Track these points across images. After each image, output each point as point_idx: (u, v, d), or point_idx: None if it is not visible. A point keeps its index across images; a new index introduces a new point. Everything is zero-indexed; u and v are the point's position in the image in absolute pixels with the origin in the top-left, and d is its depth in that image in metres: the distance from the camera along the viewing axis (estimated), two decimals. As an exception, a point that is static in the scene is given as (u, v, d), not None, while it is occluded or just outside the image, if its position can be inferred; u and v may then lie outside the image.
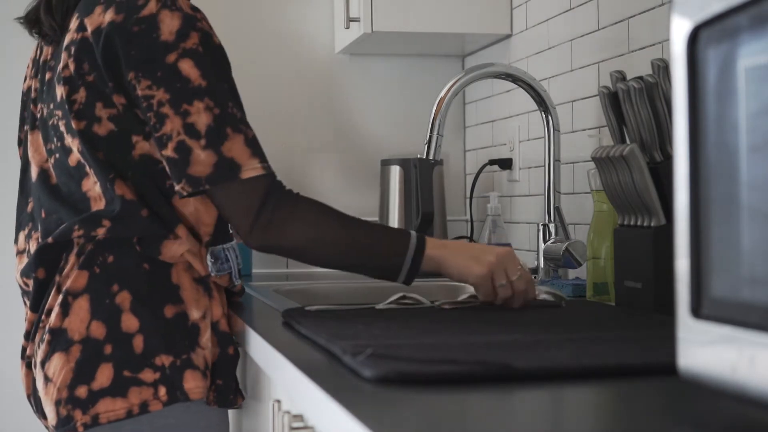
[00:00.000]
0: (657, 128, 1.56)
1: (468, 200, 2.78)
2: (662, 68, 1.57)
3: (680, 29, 0.80)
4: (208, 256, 1.59)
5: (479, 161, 2.73)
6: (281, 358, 1.15)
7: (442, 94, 2.04)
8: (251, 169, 1.53)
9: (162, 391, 1.52)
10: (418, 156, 2.56)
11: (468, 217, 2.79)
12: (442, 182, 2.67)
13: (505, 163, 2.57)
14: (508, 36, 2.58)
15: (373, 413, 0.83)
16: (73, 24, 1.58)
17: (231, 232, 1.67)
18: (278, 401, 1.21)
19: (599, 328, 1.34)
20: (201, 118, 1.50)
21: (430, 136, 2.03)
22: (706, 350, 0.76)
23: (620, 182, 1.57)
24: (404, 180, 2.61)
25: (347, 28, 2.59)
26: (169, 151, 1.50)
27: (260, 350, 1.33)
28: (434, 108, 2.04)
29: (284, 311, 1.51)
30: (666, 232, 1.51)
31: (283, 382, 1.16)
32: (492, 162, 2.60)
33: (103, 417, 1.50)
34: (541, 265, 2.06)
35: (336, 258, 1.58)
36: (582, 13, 2.15)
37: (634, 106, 1.57)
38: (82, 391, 1.50)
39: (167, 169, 1.53)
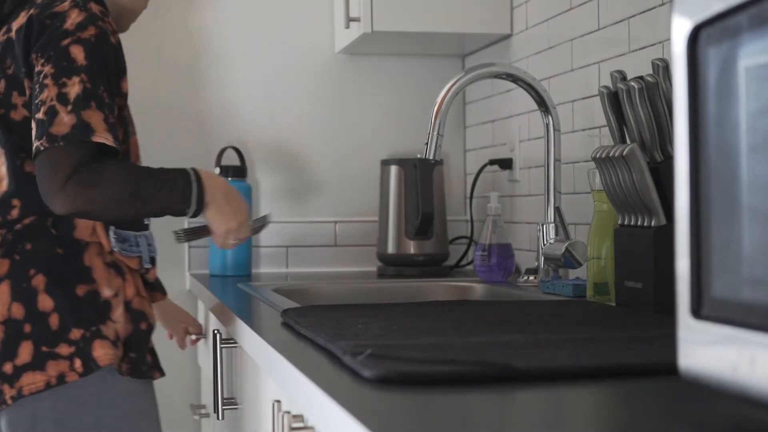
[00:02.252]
0: (657, 128, 1.56)
1: (468, 200, 2.77)
2: (662, 68, 1.57)
3: (681, 29, 0.80)
4: (111, 233, 1.78)
5: (479, 161, 2.73)
6: (281, 359, 1.15)
7: (442, 94, 2.04)
8: (103, 137, 1.67)
9: (77, 363, 1.70)
10: (418, 156, 2.56)
11: (468, 217, 2.79)
12: (442, 182, 2.67)
13: (506, 163, 2.57)
14: (509, 36, 2.57)
15: (373, 413, 0.83)
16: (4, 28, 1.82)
17: (146, 222, 1.89)
18: (278, 401, 1.21)
19: (599, 328, 1.34)
20: (73, 89, 1.67)
21: (430, 136, 2.03)
22: (707, 350, 0.76)
23: (620, 182, 1.57)
24: (404, 180, 2.61)
25: (347, 28, 2.58)
26: (40, 114, 1.66)
27: (260, 350, 1.33)
28: (434, 108, 2.03)
29: (283, 311, 1.51)
30: (666, 232, 1.51)
31: (283, 382, 1.16)
32: (492, 162, 2.60)
33: (26, 389, 1.69)
34: (542, 265, 2.06)
35: (127, 207, 1.72)
36: (582, 13, 2.14)
37: (634, 106, 1.57)
38: (8, 368, 1.70)
39: (34, 131, 1.67)
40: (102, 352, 1.71)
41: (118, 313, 1.76)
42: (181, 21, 2.80)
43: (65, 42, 1.69)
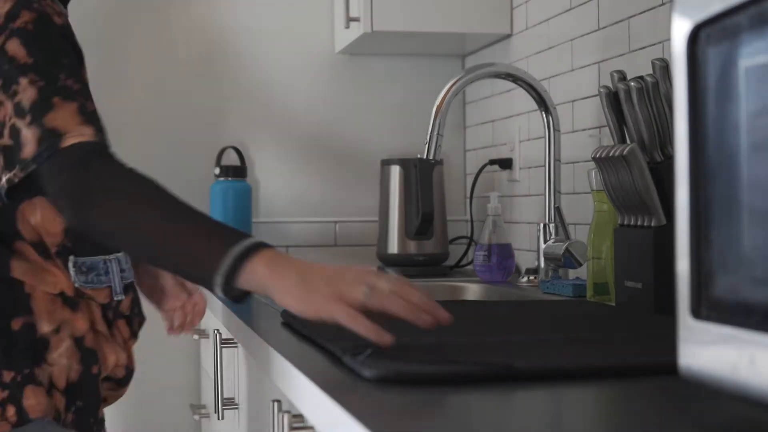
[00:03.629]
0: (657, 128, 1.56)
1: (468, 200, 2.78)
2: (663, 68, 1.57)
3: (681, 29, 0.80)
4: (71, 265, 1.43)
5: (479, 161, 2.73)
6: (281, 358, 1.15)
7: (442, 94, 2.04)
8: (76, 136, 1.32)
9: (11, 411, 1.38)
10: (418, 156, 2.56)
11: (468, 217, 2.79)
12: (442, 182, 2.67)
13: (506, 163, 2.57)
14: (509, 36, 2.57)
15: (373, 413, 0.83)
16: None
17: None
18: (278, 401, 1.21)
19: (600, 329, 1.34)
20: (26, 95, 1.35)
21: (430, 136, 2.03)
22: (707, 350, 0.76)
23: (620, 182, 1.57)
24: (404, 180, 2.61)
25: (347, 27, 2.58)
26: (5, 140, 1.35)
27: (260, 350, 1.33)
28: (434, 108, 2.03)
29: (283, 311, 1.51)
30: (666, 232, 1.51)
31: (283, 382, 1.16)
32: (492, 162, 2.60)
33: None
34: (542, 265, 2.06)
35: (145, 251, 1.30)
36: (582, 13, 2.14)
37: (634, 106, 1.57)
38: None
39: (2, 161, 1.36)
40: (34, 401, 1.38)
41: (57, 353, 1.42)
42: (181, 21, 2.80)
43: None
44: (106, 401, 1.52)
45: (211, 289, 1.21)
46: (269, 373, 1.28)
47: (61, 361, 1.42)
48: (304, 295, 1.14)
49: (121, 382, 1.53)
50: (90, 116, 1.35)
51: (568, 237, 2.06)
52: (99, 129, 1.35)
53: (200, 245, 1.22)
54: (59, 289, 1.42)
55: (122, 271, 1.50)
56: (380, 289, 1.12)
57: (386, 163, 2.66)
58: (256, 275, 1.17)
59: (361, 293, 1.11)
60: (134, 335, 1.56)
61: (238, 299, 1.20)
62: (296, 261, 1.18)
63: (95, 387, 1.45)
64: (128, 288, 1.51)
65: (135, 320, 1.55)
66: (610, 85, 1.65)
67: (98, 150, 1.33)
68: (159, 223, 1.25)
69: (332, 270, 1.16)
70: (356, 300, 1.11)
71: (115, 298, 1.48)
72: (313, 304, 1.13)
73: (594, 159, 1.63)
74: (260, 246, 1.18)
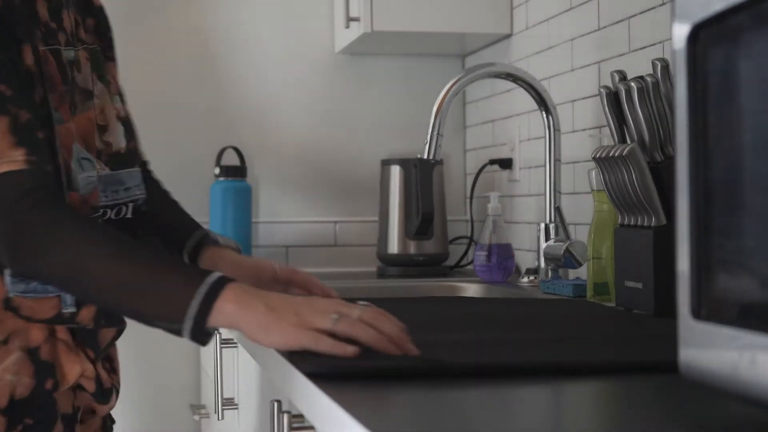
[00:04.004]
0: (657, 128, 1.56)
1: (468, 200, 2.77)
2: (663, 68, 1.57)
3: (681, 28, 0.80)
4: (7, 272, 1.27)
5: (479, 161, 2.72)
6: (281, 359, 1.15)
7: (442, 94, 2.04)
8: (7, 163, 1.18)
9: None
10: (418, 156, 2.55)
11: (468, 217, 2.79)
12: (442, 182, 2.67)
13: (506, 163, 2.57)
14: (509, 35, 2.57)
15: (373, 413, 0.83)
16: None
17: None
18: (278, 401, 1.21)
19: (580, 327, 1.35)
20: None
21: (430, 136, 2.03)
22: (707, 351, 0.76)
23: (621, 182, 1.57)
24: (404, 180, 2.61)
25: (347, 27, 2.58)
26: None
27: (260, 350, 1.33)
28: (434, 108, 2.03)
29: None
30: (667, 232, 1.51)
31: (283, 382, 1.16)
32: (492, 162, 2.60)
33: None
34: (542, 265, 2.06)
35: (102, 298, 1.22)
36: (582, 13, 2.14)
37: (634, 106, 1.57)
38: None
39: None
40: None
41: (2, 366, 1.28)
42: (181, 21, 2.80)
43: None
44: (95, 413, 1.41)
45: (177, 333, 1.15)
46: (269, 373, 1.28)
47: (4, 376, 1.28)
48: (274, 326, 1.10)
49: (97, 397, 1.38)
50: (22, 134, 1.19)
51: (568, 237, 2.06)
52: (32, 149, 1.19)
53: (162, 289, 1.15)
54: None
55: None
56: (349, 316, 1.09)
57: (386, 163, 2.66)
58: (225, 314, 1.12)
59: (329, 321, 1.08)
60: (103, 350, 1.40)
61: (204, 342, 1.15)
62: (262, 293, 1.14)
63: (50, 402, 1.32)
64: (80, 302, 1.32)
65: (101, 332, 1.39)
66: (611, 85, 1.65)
67: (32, 187, 1.18)
68: (113, 269, 1.16)
69: (301, 300, 1.12)
70: (323, 327, 1.08)
71: (64, 310, 1.30)
72: (282, 335, 1.09)
73: (594, 159, 1.63)
74: (224, 282, 1.13)
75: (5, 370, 1.28)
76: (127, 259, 1.17)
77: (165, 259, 1.22)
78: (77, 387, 1.36)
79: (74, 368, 1.32)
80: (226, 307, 1.12)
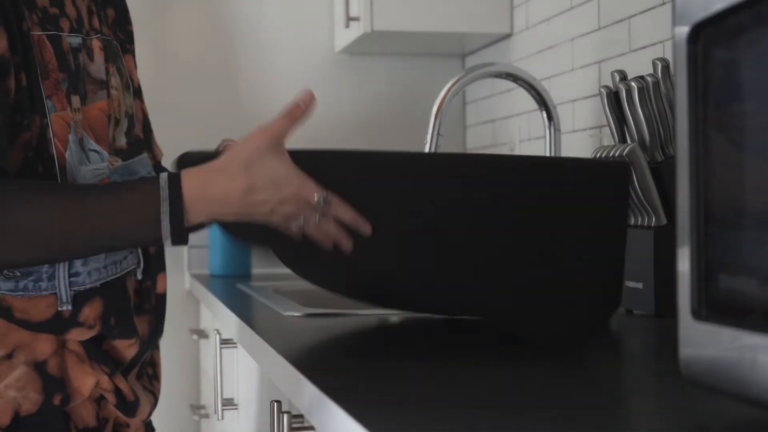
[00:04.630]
0: (658, 128, 1.56)
1: (468, 200, 2.77)
2: (663, 68, 1.57)
3: (681, 28, 0.80)
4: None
5: (479, 161, 2.72)
6: (281, 359, 1.15)
7: (442, 94, 2.04)
8: None
9: None
10: (419, 156, 2.55)
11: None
12: (443, 182, 2.66)
13: (506, 163, 2.56)
14: (509, 35, 2.57)
15: (373, 413, 0.83)
16: None
17: None
18: (278, 401, 1.21)
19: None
20: None
21: (430, 136, 2.03)
22: (707, 351, 0.76)
23: (621, 182, 1.57)
24: (404, 180, 2.61)
25: (347, 27, 2.58)
26: None
27: (260, 350, 1.33)
28: (434, 108, 2.03)
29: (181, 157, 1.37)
30: (667, 232, 1.51)
31: (283, 382, 1.16)
32: (492, 162, 2.60)
33: None
34: (542, 265, 2.06)
35: (70, 250, 1.20)
36: (583, 13, 2.14)
37: (635, 106, 1.57)
38: None
39: None
40: None
41: (4, 383, 1.23)
42: (181, 21, 2.80)
43: None
44: (129, 425, 1.36)
45: (157, 241, 1.19)
46: (269, 373, 1.28)
47: (7, 393, 1.23)
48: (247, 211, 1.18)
49: (121, 409, 1.33)
50: None
51: (568, 237, 2.06)
52: None
53: (125, 205, 1.17)
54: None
55: (66, 277, 1.25)
56: (311, 224, 1.19)
57: (386, 163, 2.66)
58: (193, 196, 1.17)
59: (295, 226, 1.19)
60: (129, 365, 1.34)
61: (185, 239, 1.18)
62: (221, 184, 1.19)
63: (59, 418, 1.27)
64: (87, 296, 1.26)
65: (118, 346, 1.32)
66: (611, 85, 1.65)
67: None
68: (69, 206, 1.16)
69: (267, 199, 1.19)
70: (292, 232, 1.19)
71: (61, 308, 1.24)
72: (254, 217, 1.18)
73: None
74: (178, 177, 1.18)
75: (8, 386, 1.23)
76: (76, 201, 1.17)
77: (107, 188, 1.22)
78: (101, 398, 1.31)
79: (87, 380, 1.28)
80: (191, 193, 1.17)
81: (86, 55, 1.31)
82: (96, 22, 1.36)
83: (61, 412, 1.27)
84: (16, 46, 1.22)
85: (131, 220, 1.17)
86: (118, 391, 1.31)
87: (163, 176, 1.18)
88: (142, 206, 1.16)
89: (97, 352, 1.29)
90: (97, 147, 1.30)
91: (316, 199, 1.18)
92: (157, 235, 1.17)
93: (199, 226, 1.22)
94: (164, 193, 1.16)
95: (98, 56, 1.33)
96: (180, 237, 1.17)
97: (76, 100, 1.27)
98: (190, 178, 1.18)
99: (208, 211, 1.18)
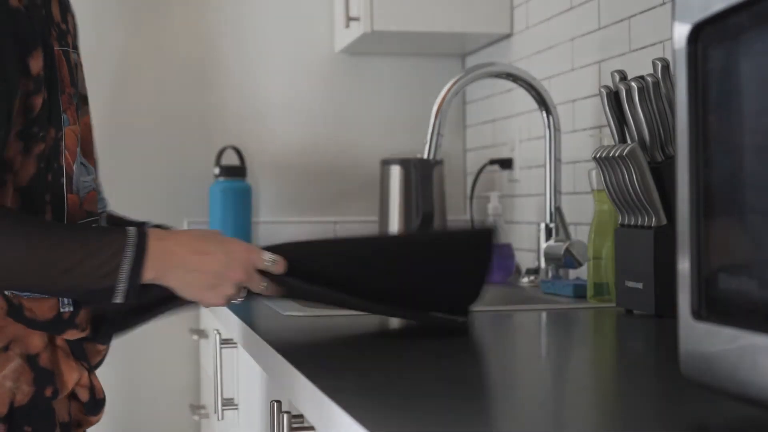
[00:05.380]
0: (658, 128, 1.56)
1: (468, 200, 2.77)
2: (663, 68, 1.57)
3: (681, 28, 0.80)
4: None
5: (480, 161, 2.72)
6: (281, 359, 1.15)
7: (442, 94, 2.04)
8: None
9: None
10: (418, 156, 2.55)
11: (468, 217, 2.78)
12: (443, 182, 2.66)
13: (506, 163, 2.57)
14: (509, 35, 2.57)
15: (373, 413, 0.83)
16: None
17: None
18: (278, 401, 1.21)
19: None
20: None
21: (430, 136, 2.03)
22: (708, 351, 0.76)
23: (621, 182, 1.57)
24: (404, 180, 2.61)
25: (347, 27, 2.58)
26: None
27: (260, 350, 1.33)
28: (434, 108, 2.03)
29: None
30: (667, 232, 1.51)
31: (283, 382, 1.16)
32: (492, 162, 2.60)
33: None
34: (542, 265, 2.06)
35: (29, 285, 1.24)
36: (583, 13, 2.14)
37: (635, 106, 1.57)
38: None
39: None
40: None
41: (3, 373, 1.26)
42: (181, 21, 2.80)
43: None
44: (81, 426, 1.39)
45: (110, 298, 1.23)
46: (269, 373, 1.28)
47: (5, 383, 1.27)
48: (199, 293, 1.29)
49: (88, 408, 1.36)
50: None
51: (568, 237, 2.06)
52: None
53: (88, 256, 1.21)
54: None
55: None
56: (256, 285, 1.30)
57: (386, 163, 2.66)
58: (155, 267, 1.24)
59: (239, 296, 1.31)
60: (93, 367, 1.39)
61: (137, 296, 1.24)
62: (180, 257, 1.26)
63: (49, 410, 1.31)
64: (91, 296, 1.28)
65: (91, 350, 1.37)
66: (611, 85, 1.65)
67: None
68: (32, 252, 1.20)
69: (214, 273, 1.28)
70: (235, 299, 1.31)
71: (62, 309, 1.29)
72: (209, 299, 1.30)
73: (594, 159, 1.63)
74: (144, 235, 1.23)
75: (5, 377, 1.26)
76: (42, 240, 1.21)
77: (73, 226, 1.28)
78: (72, 396, 1.34)
79: (72, 375, 1.32)
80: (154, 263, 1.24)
81: (77, 69, 1.37)
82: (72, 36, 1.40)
83: (50, 404, 1.31)
84: (46, 62, 1.27)
85: (92, 263, 1.21)
86: (92, 388, 1.35)
87: (131, 234, 1.24)
88: (106, 245, 1.22)
89: (79, 349, 1.34)
90: (84, 160, 1.35)
91: (266, 259, 1.29)
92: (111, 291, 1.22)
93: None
94: (132, 239, 1.23)
95: (81, 71, 1.39)
96: (134, 287, 1.23)
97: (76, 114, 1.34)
98: (155, 232, 1.26)
99: (170, 271, 1.26)
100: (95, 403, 1.37)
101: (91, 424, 1.41)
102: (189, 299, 1.30)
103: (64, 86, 1.30)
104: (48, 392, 1.29)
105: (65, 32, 1.33)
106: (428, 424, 0.81)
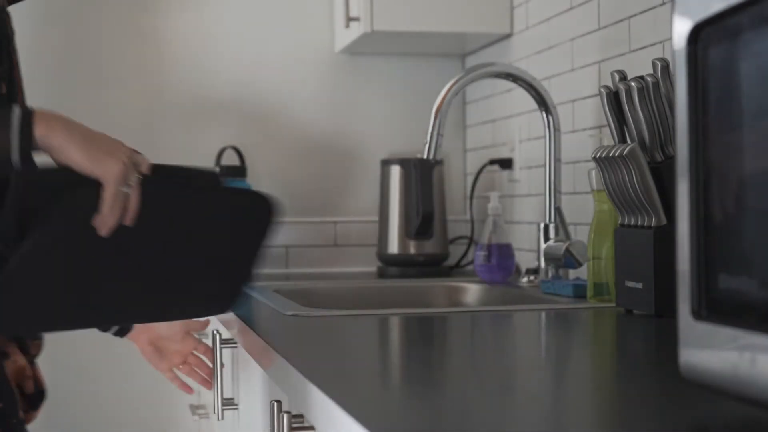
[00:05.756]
0: (658, 128, 1.56)
1: (468, 200, 2.77)
2: (663, 68, 1.57)
3: (681, 28, 0.80)
4: None
5: (479, 161, 2.72)
6: (281, 359, 1.15)
7: (442, 94, 2.04)
8: None
9: None
10: (418, 156, 2.55)
11: (468, 217, 2.79)
12: (442, 182, 2.66)
13: (506, 163, 2.57)
14: (509, 35, 2.57)
15: (373, 413, 0.83)
16: None
17: None
18: (278, 401, 1.21)
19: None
20: None
21: (430, 136, 2.03)
22: (707, 351, 0.76)
23: (621, 182, 1.57)
24: (404, 180, 2.61)
25: (347, 27, 2.58)
26: None
27: (260, 350, 1.33)
28: (434, 108, 2.03)
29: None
30: (667, 232, 1.51)
31: (283, 382, 1.16)
32: (492, 162, 2.60)
33: None
34: (542, 265, 2.06)
35: None
36: (583, 13, 2.14)
37: (634, 106, 1.57)
38: None
39: None
40: None
41: None
42: (181, 20, 2.80)
43: None
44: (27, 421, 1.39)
45: (6, 160, 1.15)
46: (269, 373, 1.28)
47: None
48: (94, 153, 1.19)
49: (33, 401, 1.36)
50: None
51: (568, 237, 2.06)
52: None
53: None
54: None
55: None
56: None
57: (386, 163, 2.66)
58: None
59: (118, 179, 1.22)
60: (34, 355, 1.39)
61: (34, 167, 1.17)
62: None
63: (9, 385, 1.30)
64: None
65: (27, 342, 1.37)
66: (611, 85, 1.65)
67: None
68: None
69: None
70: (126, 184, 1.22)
71: None
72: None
73: (594, 159, 1.63)
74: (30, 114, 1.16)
75: None
76: None
77: None
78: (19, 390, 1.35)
79: (19, 358, 1.33)
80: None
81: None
82: None
83: (8, 379, 1.31)
84: (2, 59, 1.27)
85: None
86: (35, 380, 1.37)
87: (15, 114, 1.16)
88: None
89: (22, 340, 1.36)
90: None
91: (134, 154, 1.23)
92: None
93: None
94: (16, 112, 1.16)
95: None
96: (27, 146, 1.15)
97: None
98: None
99: (58, 124, 1.17)
100: (40, 395, 1.37)
101: (30, 419, 1.41)
102: (87, 167, 1.18)
103: (20, 86, 1.33)
104: (9, 370, 1.30)
105: (13, 33, 1.36)
106: (428, 423, 0.81)
